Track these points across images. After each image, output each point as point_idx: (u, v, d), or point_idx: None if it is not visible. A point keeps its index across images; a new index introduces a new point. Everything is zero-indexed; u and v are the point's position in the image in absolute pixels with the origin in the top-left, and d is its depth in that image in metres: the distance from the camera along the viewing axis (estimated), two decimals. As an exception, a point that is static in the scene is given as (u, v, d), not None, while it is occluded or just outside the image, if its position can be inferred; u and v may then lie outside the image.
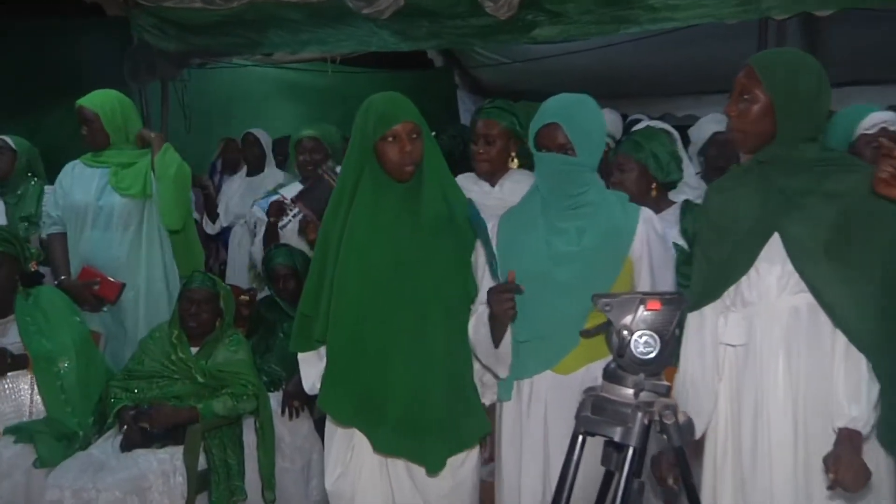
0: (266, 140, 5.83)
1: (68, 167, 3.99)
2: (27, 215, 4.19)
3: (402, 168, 2.32)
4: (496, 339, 2.34)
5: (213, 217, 5.46)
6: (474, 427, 2.45)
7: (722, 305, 2.17)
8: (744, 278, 2.11)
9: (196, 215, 5.18)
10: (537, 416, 2.37)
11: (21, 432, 3.25)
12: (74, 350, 3.42)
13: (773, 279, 2.08)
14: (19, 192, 4.25)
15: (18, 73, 5.11)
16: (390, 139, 2.31)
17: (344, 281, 2.36)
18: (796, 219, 2.04)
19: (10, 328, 3.41)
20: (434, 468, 2.35)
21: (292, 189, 4.31)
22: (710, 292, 2.17)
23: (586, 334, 2.24)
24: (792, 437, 2.05)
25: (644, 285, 2.36)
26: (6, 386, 3.35)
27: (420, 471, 2.39)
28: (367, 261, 2.35)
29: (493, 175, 3.13)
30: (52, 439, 3.25)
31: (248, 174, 5.77)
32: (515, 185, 3.04)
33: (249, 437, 3.54)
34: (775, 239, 2.07)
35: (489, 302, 2.26)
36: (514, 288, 2.20)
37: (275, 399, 3.71)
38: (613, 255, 2.34)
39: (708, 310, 2.18)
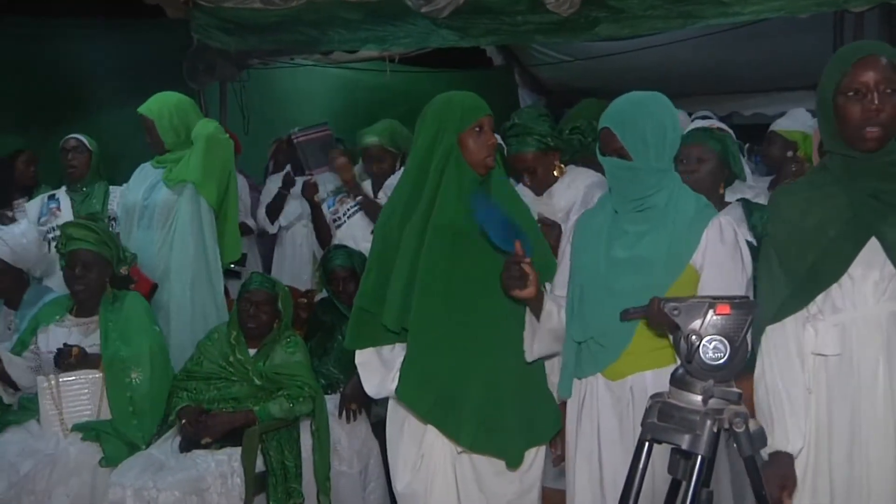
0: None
1: (138, 169, 4.06)
2: (93, 213, 4.25)
3: (486, 159, 2.34)
4: (536, 315, 2.34)
5: (274, 217, 5.47)
6: (548, 421, 2.45)
7: (804, 315, 2.08)
8: (835, 285, 2.02)
9: (251, 221, 5.22)
10: (590, 418, 2.34)
11: (89, 431, 3.28)
12: (149, 361, 3.42)
13: (870, 285, 2.00)
14: (86, 190, 4.30)
15: (81, 73, 5.18)
16: (477, 130, 2.33)
17: (431, 277, 2.33)
18: (894, 223, 1.95)
19: (94, 329, 3.46)
20: (514, 462, 2.34)
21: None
22: (794, 302, 2.07)
23: (625, 315, 2.18)
24: (894, 456, 1.94)
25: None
26: (78, 384, 3.38)
27: (487, 473, 2.36)
28: (456, 257, 2.33)
29: (540, 187, 3.08)
30: (117, 440, 3.28)
31: (297, 174, 5.77)
32: (565, 190, 2.99)
33: (307, 440, 3.53)
34: (872, 243, 1.98)
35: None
36: (519, 259, 2.20)
37: (332, 402, 3.70)
38: (671, 262, 2.25)
39: (790, 320, 2.08)
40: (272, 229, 5.43)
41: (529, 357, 2.39)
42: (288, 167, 5.34)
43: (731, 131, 3.25)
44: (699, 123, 3.52)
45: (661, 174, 2.29)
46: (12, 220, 4.26)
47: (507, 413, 2.34)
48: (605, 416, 2.29)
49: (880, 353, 1.97)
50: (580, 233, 2.43)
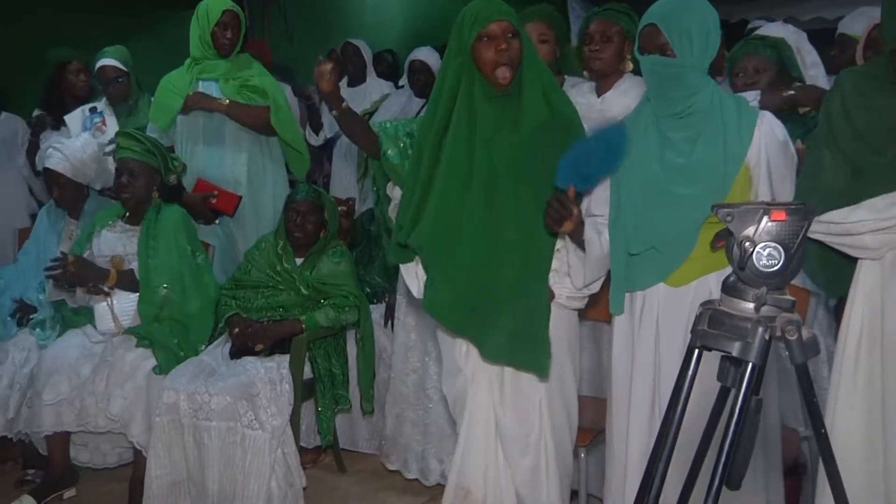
0: (366, 50, 5.75)
1: (170, 81, 3.99)
2: (141, 127, 4.25)
3: (497, 68, 2.25)
4: (578, 244, 2.31)
5: (317, 129, 5.45)
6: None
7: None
8: None
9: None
10: (649, 329, 2.33)
11: (142, 339, 3.36)
12: (178, 276, 3.43)
13: None
14: (130, 104, 4.28)
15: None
16: (485, 39, 2.25)
17: (444, 190, 2.31)
18: None
19: (135, 240, 3.49)
20: (543, 373, 2.33)
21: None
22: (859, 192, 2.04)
23: (717, 240, 2.15)
24: None
25: (763, 194, 2.24)
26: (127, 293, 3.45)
27: (517, 382, 2.37)
28: (467, 170, 2.30)
29: (605, 77, 3.00)
30: (169, 349, 3.35)
31: (350, 85, 5.72)
32: (620, 97, 2.92)
33: (353, 348, 3.59)
34: None
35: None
36: (562, 199, 2.14)
37: (377, 311, 3.74)
38: (728, 163, 2.22)
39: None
40: (316, 141, 5.43)
41: (580, 285, 2.37)
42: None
43: (803, 33, 3.15)
44: (767, 29, 3.40)
45: (701, 75, 2.25)
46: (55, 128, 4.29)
47: (537, 327, 2.32)
48: (665, 325, 2.29)
49: None
50: None
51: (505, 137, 2.29)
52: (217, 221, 3.92)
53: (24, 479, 3.54)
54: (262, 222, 3.97)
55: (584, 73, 3.05)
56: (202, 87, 3.92)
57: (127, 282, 3.43)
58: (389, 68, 6.24)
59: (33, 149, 4.14)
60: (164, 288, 3.39)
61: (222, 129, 3.91)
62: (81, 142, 3.82)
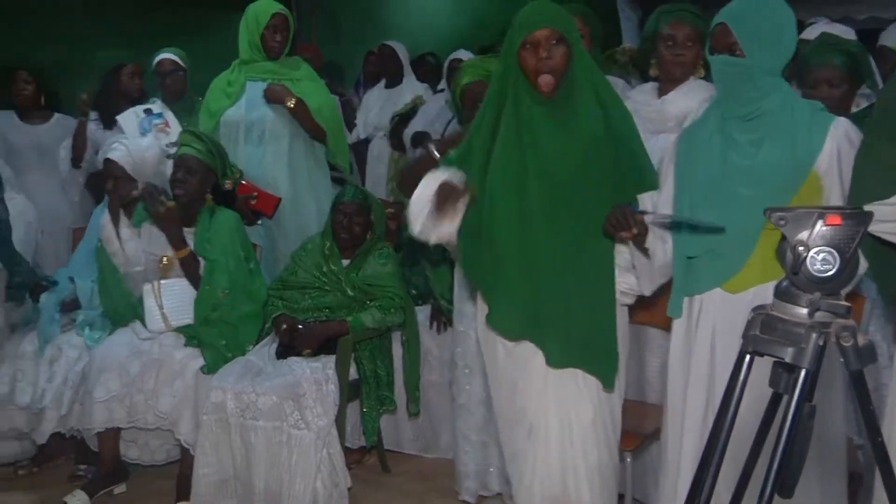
0: (403, 52, 5.77)
1: (221, 81, 4.05)
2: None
3: (540, 76, 2.23)
4: (641, 251, 2.28)
5: (350, 127, 5.48)
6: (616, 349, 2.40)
7: None
8: None
9: None
10: (705, 335, 2.29)
11: (191, 339, 3.41)
12: (230, 280, 3.46)
13: None
14: (187, 105, 4.32)
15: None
16: (528, 46, 2.24)
17: (494, 199, 2.31)
18: None
19: (191, 239, 3.53)
20: (609, 383, 2.32)
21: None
22: None
23: None
24: None
25: (835, 202, 2.17)
26: (178, 286, 3.49)
27: (570, 391, 2.35)
28: (514, 178, 2.29)
29: (676, 82, 2.97)
30: (217, 350, 3.39)
31: (387, 86, 5.75)
32: (682, 98, 2.88)
33: (398, 350, 3.60)
34: None
35: None
36: (628, 213, 2.13)
37: (423, 313, 3.75)
38: (794, 168, 2.16)
39: None
40: (349, 139, 5.46)
41: (647, 292, 2.36)
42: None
43: (852, 31, 3.08)
44: (819, 28, 3.33)
45: (772, 77, 2.19)
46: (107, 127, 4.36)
47: (595, 334, 2.31)
48: (721, 332, 2.24)
49: None
50: (686, 147, 2.35)
51: (556, 143, 2.27)
52: (259, 222, 3.95)
53: (76, 474, 3.61)
54: (303, 223, 3.99)
55: (651, 73, 3.01)
56: (250, 88, 3.95)
57: (192, 268, 3.47)
58: (432, 70, 6.26)
59: (80, 145, 4.19)
60: (224, 292, 3.43)
61: (263, 131, 3.94)
62: (147, 142, 3.88)
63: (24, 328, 3.77)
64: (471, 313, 2.99)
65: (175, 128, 4.10)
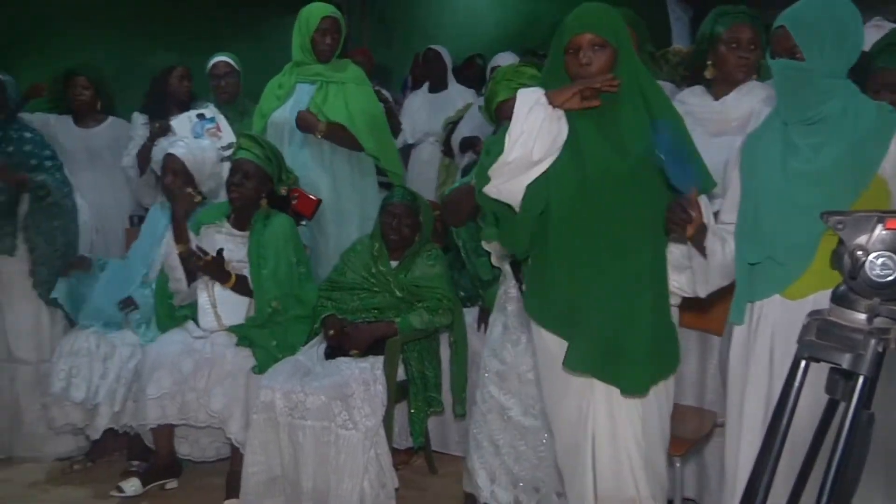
0: (447, 56, 5.77)
1: (274, 83, 4.09)
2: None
3: (580, 80, 2.21)
4: (700, 251, 2.25)
5: (396, 132, 5.50)
6: (672, 355, 2.36)
7: None
8: None
9: None
10: (764, 341, 2.26)
11: (242, 339, 3.46)
12: (283, 285, 3.51)
13: None
14: (240, 110, 4.36)
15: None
16: (571, 51, 2.23)
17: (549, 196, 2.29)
18: None
19: (245, 243, 3.59)
20: (638, 390, 2.28)
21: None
22: None
23: None
24: None
25: None
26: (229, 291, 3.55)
27: (614, 398, 2.33)
28: (567, 180, 2.27)
29: (733, 84, 2.95)
30: (268, 350, 3.43)
31: (431, 90, 5.75)
32: (743, 99, 2.84)
33: (446, 351, 3.61)
34: None
35: None
36: (686, 203, 2.10)
37: (470, 314, 3.75)
38: (856, 172, 2.12)
39: None
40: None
41: (703, 294, 2.33)
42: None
43: None
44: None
45: (835, 80, 2.15)
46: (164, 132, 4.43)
47: (633, 341, 2.26)
48: (780, 338, 2.21)
49: None
50: (749, 152, 2.32)
51: (601, 150, 2.25)
52: (303, 223, 3.98)
53: (129, 470, 3.67)
54: (344, 227, 4.01)
55: (707, 75, 2.98)
56: (298, 90, 3.99)
57: (242, 289, 3.53)
58: (480, 73, 6.25)
59: (145, 152, 4.29)
60: (275, 302, 3.48)
61: (305, 133, 3.97)
62: (207, 143, 3.96)
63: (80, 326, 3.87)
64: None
65: (226, 132, 4.16)
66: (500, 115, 2.96)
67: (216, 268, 3.48)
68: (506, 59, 4.87)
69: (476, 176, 2.48)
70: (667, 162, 2.12)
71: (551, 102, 2.21)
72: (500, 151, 2.24)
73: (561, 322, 2.34)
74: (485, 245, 3.09)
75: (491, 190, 2.31)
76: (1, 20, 5.42)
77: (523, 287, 2.93)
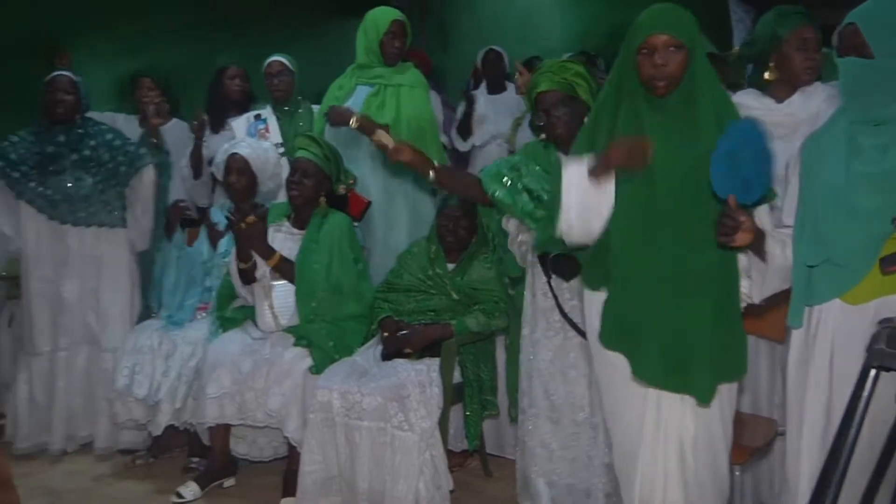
0: (508, 58, 5.75)
1: (335, 86, 4.12)
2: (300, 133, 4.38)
3: (652, 84, 2.17)
4: (759, 256, 2.20)
5: (466, 135, 5.49)
6: (739, 361, 2.30)
7: None
8: None
9: (444, 138, 5.25)
10: (824, 346, 2.20)
11: (300, 339, 3.49)
12: (334, 282, 3.54)
13: None
14: (292, 111, 4.42)
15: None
16: (645, 52, 2.17)
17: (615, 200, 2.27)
18: None
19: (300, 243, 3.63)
20: (704, 399, 2.23)
21: None
22: None
23: (886, 264, 2.01)
24: None
25: None
26: (288, 287, 3.59)
27: (672, 406, 2.28)
28: (628, 183, 2.23)
29: (796, 85, 2.90)
30: (325, 350, 3.46)
31: (490, 92, 5.73)
32: (808, 100, 2.79)
33: (502, 354, 3.60)
34: None
35: None
36: (731, 212, 2.04)
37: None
38: None
39: None
40: (464, 147, 5.46)
41: (757, 299, 2.27)
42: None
43: None
44: None
45: None
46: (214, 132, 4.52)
47: (697, 350, 2.21)
48: (841, 344, 2.15)
49: None
50: (810, 153, 2.26)
51: (669, 153, 2.20)
52: (355, 224, 4.00)
53: (188, 466, 3.74)
54: (392, 230, 4.03)
55: (769, 77, 2.93)
56: (358, 92, 4.02)
57: (286, 271, 3.56)
58: None
59: (197, 151, 4.36)
60: (322, 293, 3.51)
61: (358, 135, 3.99)
62: (268, 145, 4.04)
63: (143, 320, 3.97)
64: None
65: (274, 134, 4.25)
66: (538, 105, 2.97)
67: (258, 235, 3.53)
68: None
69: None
70: (715, 164, 2.07)
71: (594, 175, 2.21)
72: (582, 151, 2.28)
73: (623, 339, 2.30)
74: (509, 245, 3.13)
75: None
76: (65, 20, 5.56)
77: (552, 282, 2.97)
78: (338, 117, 3.77)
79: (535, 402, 3.09)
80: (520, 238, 3.12)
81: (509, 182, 2.90)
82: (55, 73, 4.00)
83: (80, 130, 3.94)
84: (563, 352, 3.02)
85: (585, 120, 2.55)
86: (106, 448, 3.96)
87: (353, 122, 3.69)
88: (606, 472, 2.94)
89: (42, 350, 3.95)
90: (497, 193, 2.89)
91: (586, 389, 3.00)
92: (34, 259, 3.95)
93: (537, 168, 2.93)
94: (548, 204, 2.43)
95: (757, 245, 2.16)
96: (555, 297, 3.02)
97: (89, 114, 4.07)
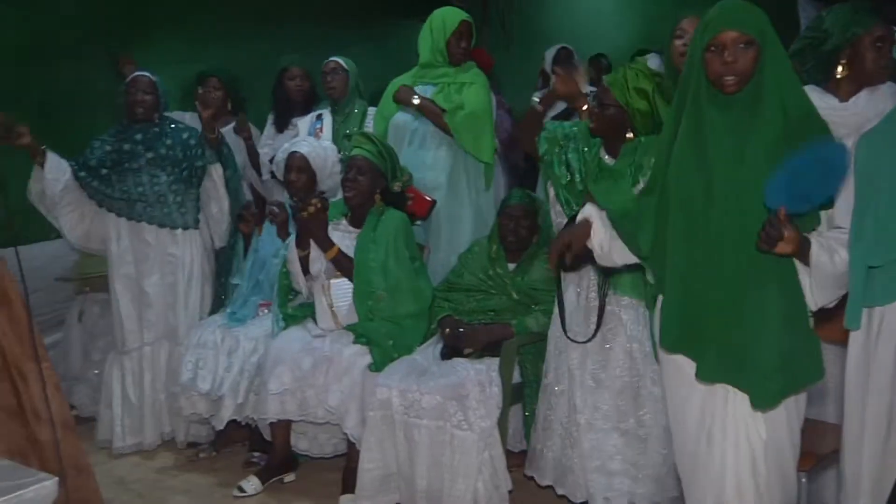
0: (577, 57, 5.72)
1: (393, 85, 4.14)
2: (352, 133, 4.42)
3: (720, 81, 2.11)
4: (806, 263, 2.12)
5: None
6: (810, 367, 2.22)
7: None
8: None
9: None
10: (886, 349, 2.14)
11: (359, 337, 3.52)
12: (390, 280, 3.55)
13: None
14: (346, 111, 4.45)
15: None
16: (713, 49, 2.11)
17: (667, 200, 2.24)
18: None
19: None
20: (764, 403, 2.18)
21: None
22: None
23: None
24: None
25: None
26: (347, 285, 3.62)
27: (737, 410, 2.24)
28: (688, 182, 2.19)
29: (864, 85, 2.84)
30: (384, 349, 3.48)
31: None
32: (875, 100, 2.71)
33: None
34: None
35: None
36: (776, 222, 1.98)
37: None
38: None
39: None
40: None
41: (814, 306, 2.20)
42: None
43: None
44: None
45: None
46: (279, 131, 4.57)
47: (757, 350, 2.15)
48: None
49: None
50: (867, 152, 2.19)
51: (733, 146, 2.15)
52: (417, 223, 4.01)
53: (250, 460, 3.80)
54: (456, 230, 4.03)
55: (840, 74, 2.87)
56: (420, 91, 4.04)
57: (344, 265, 3.60)
58: (605, 72, 6.18)
59: (250, 151, 4.42)
60: (382, 293, 3.53)
61: (426, 134, 4.01)
62: (327, 144, 4.10)
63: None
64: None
65: (327, 133, 4.30)
66: (599, 95, 3.04)
67: (319, 225, 3.57)
68: (653, 62, 4.78)
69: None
70: (776, 177, 2.00)
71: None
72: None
73: (685, 340, 2.27)
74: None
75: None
76: (132, 18, 5.68)
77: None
78: (404, 94, 3.95)
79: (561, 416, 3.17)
80: (556, 208, 3.19)
81: (559, 149, 3.05)
82: (136, 73, 4.10)
83: (156, 129, 4.03)
84: (588, 358, 3.09)
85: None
86: (184, 443, 4.03)
87: (415, 99, 3.87)
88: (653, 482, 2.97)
89: (132, 347, 4.03)
90: (546, 157, 3.06)
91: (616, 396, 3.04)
92: (117, 258, 4.04)
93: (585, 149, 3.04)
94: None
95: (802, 254, 2.10)
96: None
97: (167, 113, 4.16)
